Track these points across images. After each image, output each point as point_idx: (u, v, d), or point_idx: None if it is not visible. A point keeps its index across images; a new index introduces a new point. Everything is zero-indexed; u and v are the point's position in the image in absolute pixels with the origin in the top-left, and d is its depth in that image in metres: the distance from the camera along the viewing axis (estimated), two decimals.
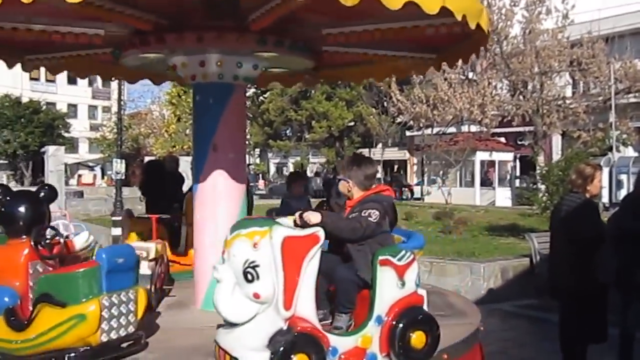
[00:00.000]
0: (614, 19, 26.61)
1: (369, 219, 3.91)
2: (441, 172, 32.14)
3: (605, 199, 22.73)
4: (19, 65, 6.09)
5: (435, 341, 3.89)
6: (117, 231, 13.52)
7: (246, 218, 4.33)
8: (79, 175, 58.04)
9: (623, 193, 22.70)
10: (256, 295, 3.37)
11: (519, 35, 23.23)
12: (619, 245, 5.70)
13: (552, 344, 6.30)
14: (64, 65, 6.44)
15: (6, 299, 3.79)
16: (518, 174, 35.32)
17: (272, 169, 64.23)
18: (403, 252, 3.87)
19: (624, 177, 25.78)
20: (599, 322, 5.81)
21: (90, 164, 62.49)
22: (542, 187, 17.16)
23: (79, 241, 4.53)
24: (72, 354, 3.63)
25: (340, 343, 3.63)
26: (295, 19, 4.78)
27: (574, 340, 5.91)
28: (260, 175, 56.81)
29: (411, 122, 30.19)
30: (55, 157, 27.93)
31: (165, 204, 7.40)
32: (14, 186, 41.19)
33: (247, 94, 6.77)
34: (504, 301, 10.26)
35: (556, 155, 23.77)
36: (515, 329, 9.05)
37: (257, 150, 52.81)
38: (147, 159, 21.36)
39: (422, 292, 4.01)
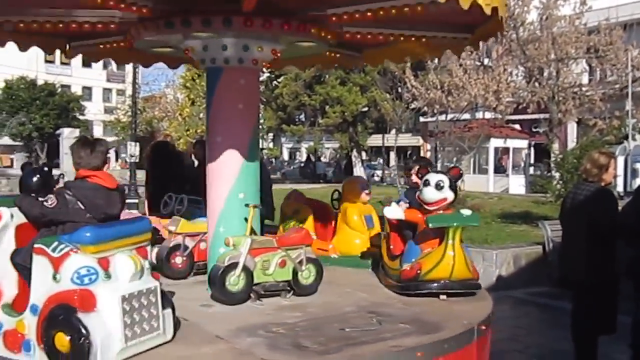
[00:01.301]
0: (632, 5, 26.31)
1: (44, 204, 3.94)
2: (455, 159, 32.00)
3: (620, 187, 22.54)
4: (33, 48, 6.15)
5: (80, 350, 3.42)
6: (134, 213, 13.61)
7: None
8: None
9: (638, 182, 22.52)
10: None
11: (536, 21, 23.01)
12: (632, 237, 5.63)
13: (564, 332, 6.29)
14: (79, 50, 6.51)
15: None
16: (532, 161, 35.09)
17: (285, 154, 64.29)
18: (57, 243, 3.61)
19: (639, 165, 25.56)
20: (609, 314, 5.78)
21: None
22: (557, 174, 17.06)
23: None
24: None
25: (6, 320, 3.81)
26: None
27: (584, 331, 5.88)
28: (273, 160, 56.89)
29: (425, 108, 29.97)
30: (70, 140, 28.12)
31: (175, 186, 7.39)
32: None
33: (261, 79, 6.73)
34: (516, 288, 10.27)
35: (571, 143, 23.64)
36: (527, 316, 9.06)
37: (271, 135, 52.75)
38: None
39: (91, 290, 3.56)
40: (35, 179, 4.48)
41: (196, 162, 8.36)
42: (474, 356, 4.35)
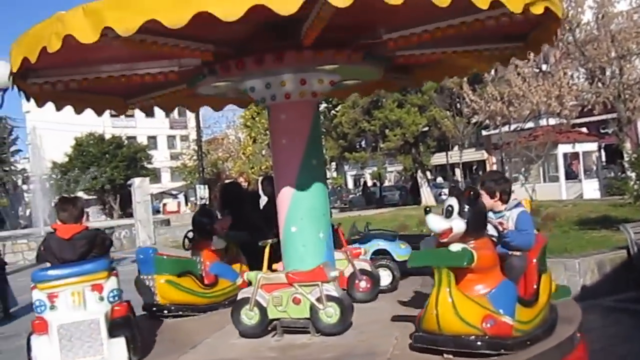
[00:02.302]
0: None
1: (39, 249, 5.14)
2: (523, 169, 31.34)
3: None
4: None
5: None
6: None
7: None
8: (164, 204, 59.77)
9: None
10: None
11: (592, 20, 22.47)
12: None
13: None
14: (154, 104, 6.73)
15: None
16: (604, 163, 34.02)
17: (350, 181, 64.34)
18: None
19: None
20: None
21: (174, 192, 64.37)
22: (633, 175, 16.47)
23: None
24: None
25: None
26: (358, 29, 4.79)
27: None
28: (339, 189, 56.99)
29: (487, 121, 29.65)
30: (141, 189, 29.01)
31: (244, 225, 7.51)
32: (104, 219, 42.88)
33: (319, 109, 6.82)
34: (603, 296, 9.88)
35: None
36: (618, 324, 8.70)
37: (333, 164, 52.99)
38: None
39: (43, 317, 4.65)
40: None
41: (266, 198, 8.47)
42: None
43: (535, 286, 4.44)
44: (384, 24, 4.87)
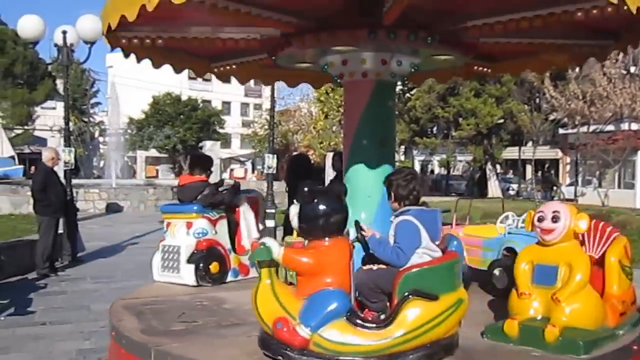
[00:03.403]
0: None
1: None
2: (597, 173, 30.38)
3: None
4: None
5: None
6: (270, 223, 14.07)
7: None
8: (231, 170, 60.79)
9: None
10: None
11: None
12: None
13: None
14: (231, 72, 6.81)
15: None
16: None
17: (417, 166, 63.77)
18: None
19: None
20: None
21: (242, 159, 65.33)
22: None
23: None
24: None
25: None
26: (439, 13, 4.70)
27: None
28: None
29: (565, 120, 28.86)
30: (212, 152, 29.58)
31: None
32: (173, 178, 43.88)
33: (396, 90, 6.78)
34: None
35: None
36: None
37: (402, 148, 52.59)
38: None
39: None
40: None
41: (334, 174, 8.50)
42: None
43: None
44: (468, 9, 4.75)
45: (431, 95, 41.83)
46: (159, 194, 25.99)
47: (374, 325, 3.58)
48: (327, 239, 3.64)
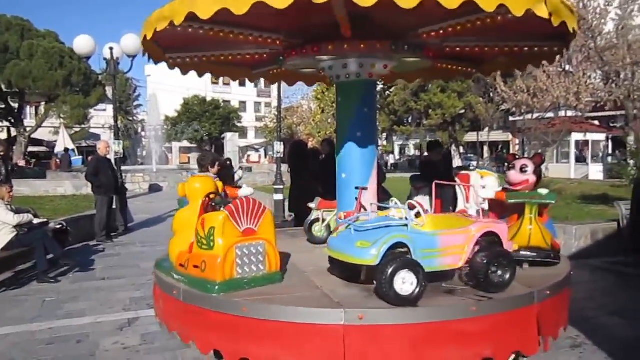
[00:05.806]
0: None
1: None
2: (540, 150, 30.38)
3: None
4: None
5: None
6: (278, 197, 14.13)
7: None
8: (248, 155, 60.72)
9: None
10: None
11: (612, 31, 21.28)
12: None
13: (636, 292, 5.87)
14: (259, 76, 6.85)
15: None
16: (610, 152, 32.62)
17: (397, 149, 63.68)
18: None
19: None
20: None
21: (256, 147, 65.24)
22: (632, 162, 15.81)
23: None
24: None
25: None
26: (393, 24, 4.66)
27: None
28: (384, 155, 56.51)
29: (514, 109, 28.70)
30: (232, 142, 29.50)
31: (305, 173, 7.77)
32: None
33: (377, 89, 6.69)
34: (593, 258, 9.64)
35: None
36: (603, 280, 8.50)
37: (384, 135, 52.53)
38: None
39: None
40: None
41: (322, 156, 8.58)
42: (533, 317, 3.90)
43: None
44: (407, 21, 4.56)
45: (406, 92, 41.75)
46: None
47: None
48: None
